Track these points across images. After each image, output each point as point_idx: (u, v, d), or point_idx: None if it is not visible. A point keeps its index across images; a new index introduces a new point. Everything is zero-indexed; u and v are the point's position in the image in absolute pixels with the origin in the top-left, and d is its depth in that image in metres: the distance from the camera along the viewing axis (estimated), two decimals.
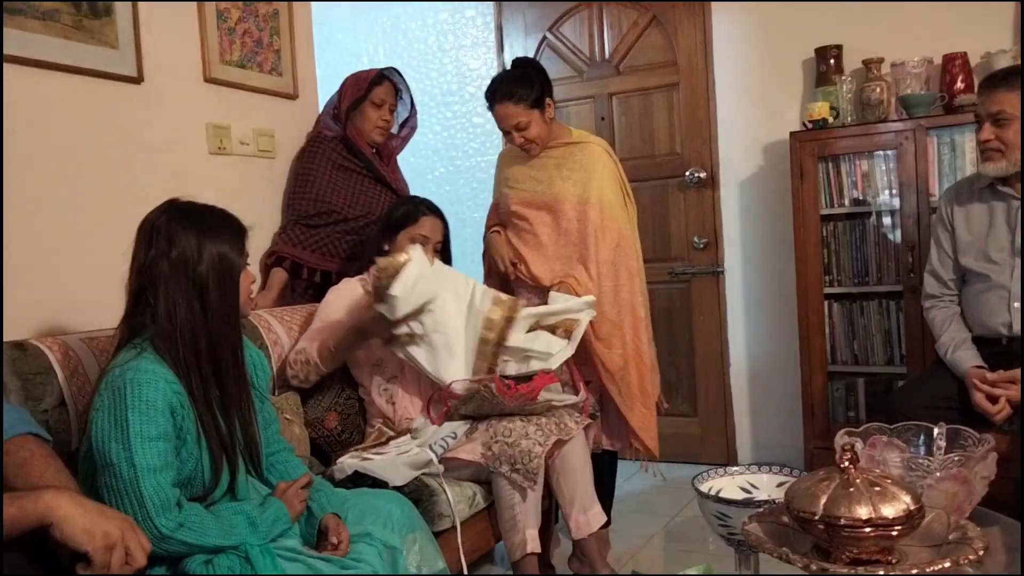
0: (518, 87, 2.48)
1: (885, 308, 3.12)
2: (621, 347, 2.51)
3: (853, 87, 3.12)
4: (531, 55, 3.84)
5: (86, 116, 2.15)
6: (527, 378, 2.27)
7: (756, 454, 3.56)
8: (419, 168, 3.53)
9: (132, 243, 1.55)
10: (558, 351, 2.31)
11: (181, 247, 1.50)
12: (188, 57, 2.45)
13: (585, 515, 2.25)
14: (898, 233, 3.05)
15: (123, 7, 2.22)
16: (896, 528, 1.09)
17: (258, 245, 2.63)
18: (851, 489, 1.11)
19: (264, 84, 2.70)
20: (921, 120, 2.94)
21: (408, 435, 2.23)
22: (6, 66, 1.95)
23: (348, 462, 2.08)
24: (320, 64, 2.98)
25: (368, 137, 2.75)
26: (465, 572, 2.03)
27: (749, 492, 1.47)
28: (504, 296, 2.36)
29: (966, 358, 2.25)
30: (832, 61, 3.20)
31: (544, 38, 3.90)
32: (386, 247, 2.38)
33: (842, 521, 1.09)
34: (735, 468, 1.55)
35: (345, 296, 2.37)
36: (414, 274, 2.12)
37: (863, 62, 3.14)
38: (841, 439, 1.41)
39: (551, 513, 2.45)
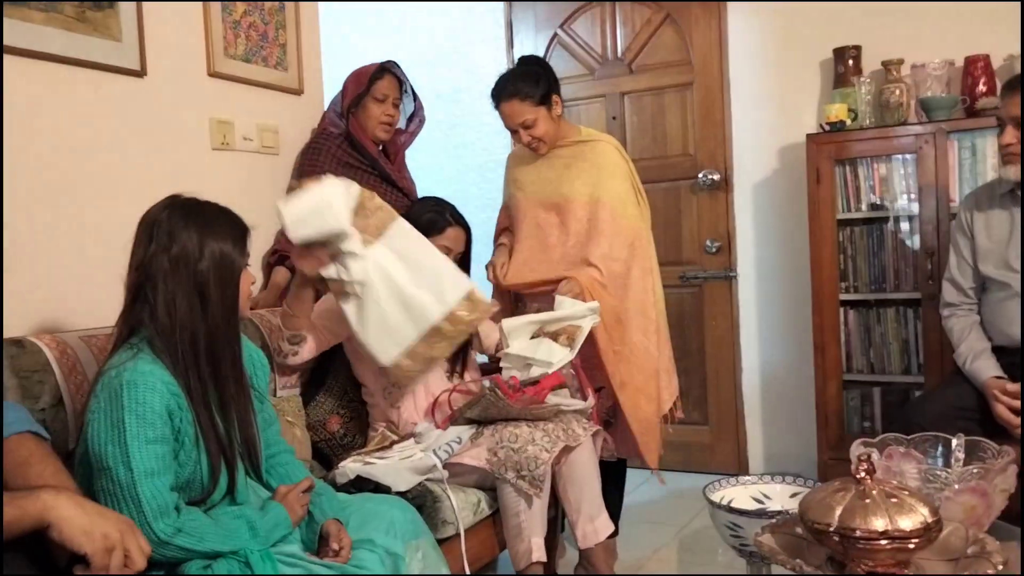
0: (523, 84, 2.49)
1: (902, 316, 3.12)
2: (628, 347, 2.51)
3: (872, 89, 3.12)
4: (542, 52, 3.85)
5: (88, 109, 2.16)
6: (534, 381, 2.27)
7: (768, 464, 3.56)
8: (426, 166, 3.53)
9: (132, 239, 1.55)
10: (559, 359, 2.30)
11: (182, 244, 1.50)
12: (192, 50, 2.46)
13: (592, 524, 2.25)
14: (916, 239, 3.05)
15: None
16: (913, 541, 1.09)
17: (261, 243, 2.63)
18: (867, 500, 1.12)
19: (269, 79, 2.71)
20: (942, 123, 2.94)
21: (412, 439, 2.23)
22: (6, 57, 1.96)
23: (350, 466, 2.09)
24: (326, 60, 2.99)
25: (373, 133, 2.75)
26: None
27: (761, 502, 1.48)
28: (483, 299, 2.19)
29: (985, 368, 2.24)
30: (851, 62, 3.20)
31: (555, 35, 3.91)
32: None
33: (858, 533, 1.09)
34: (747, 478, 1.56)
35: None
36: (318, 197, 2.00)
37: (882, 63, 3.14)
38: (857, 449, 1.41)
39: (557, 521, 2.44)
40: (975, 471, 1.38)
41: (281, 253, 2.63)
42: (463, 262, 2.47)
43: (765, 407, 3.58)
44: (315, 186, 2.02)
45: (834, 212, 3.12)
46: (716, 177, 3.60)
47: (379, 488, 1.99)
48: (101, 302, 2.00)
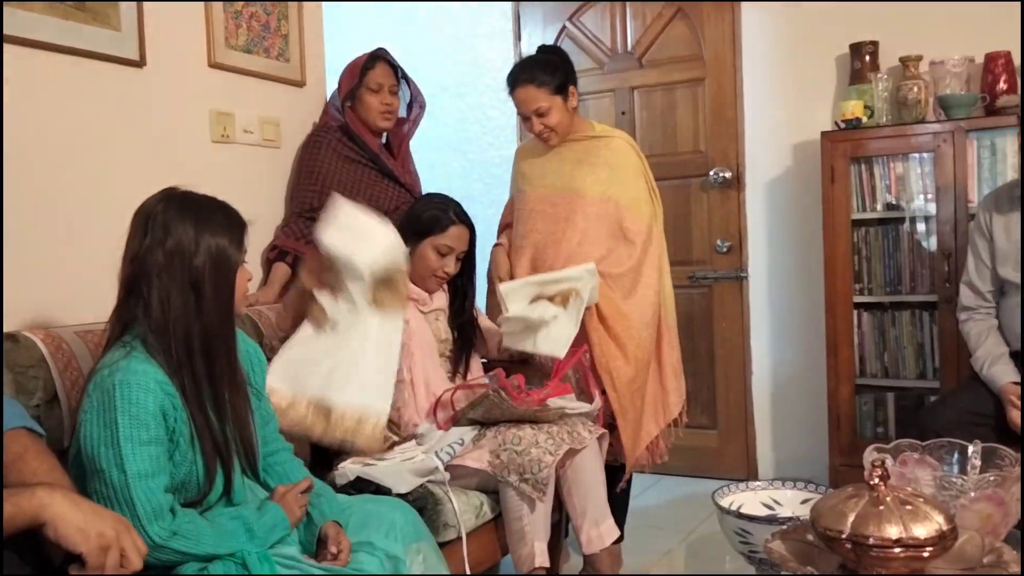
0: (541, 71, 2.49)
1: (918, 319, 3.11)
2: (630, 343, 2.50)
3: (889, 86, 3.11)
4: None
5: (85, 100, 2.17)
6: (540, 384, 2.28)
7: (778, 470, 3.55)
8: (431, 162, 3.54)
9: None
10: (551, 315, 2.32)
11: (177, 237, 1.50)
12: (192, 41, 2.46)
13: (597, 529, 2.25)
14: (933, 240, 3.04)
15: None
16: (927, 549, 1.09)
17: (260, 238, 2.64)
18: (881, 507, 1.11)
19: (270, 70, 2.71)
20: (960, 121, 2.93)
21: (413, 441, 2.23)
22: (4, 46, 1.97)
23: (350, 467, 2.09)
24: (329, 52, 2.99)
25: (374, 125, 2.75)
26: None
27: (772, 508, 1.47)
28: (377, 435, 2.07)
29: (1002, 373, 2.24)
30: (867, 58, 3.19)
31: (564, 28, 3.91)
32: (407, 248, 2.38)
33: (871, 540, 1.09)
34: (757, 483, 1.56)
35: None
36: (374, 229, 2.05)
37: (900, 60, 3.13)
38: (871, 455, 1.41)
39: (561, 526, 2.45)
40: (992, 479, 1.38)
41: (281, 249, 2.64)
42: (467, 261, 2.47)
43: (775, 411, 3.58)
44: (381, 221, 2.09)
45: (849, 212, 3.11)
46: (727, 175, 3.60)
47: (380, 490, 1.99)
48: (97, 296, 1.99)
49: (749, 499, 1.50)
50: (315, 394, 2.04)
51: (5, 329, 1.84)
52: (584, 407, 2.35)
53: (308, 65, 2.86)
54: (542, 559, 2.14)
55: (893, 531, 1.08)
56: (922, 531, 1.08)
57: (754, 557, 1.39)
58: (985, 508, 1.32)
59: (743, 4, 3.53)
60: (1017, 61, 2.99)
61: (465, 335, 2.48)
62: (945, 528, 1.10)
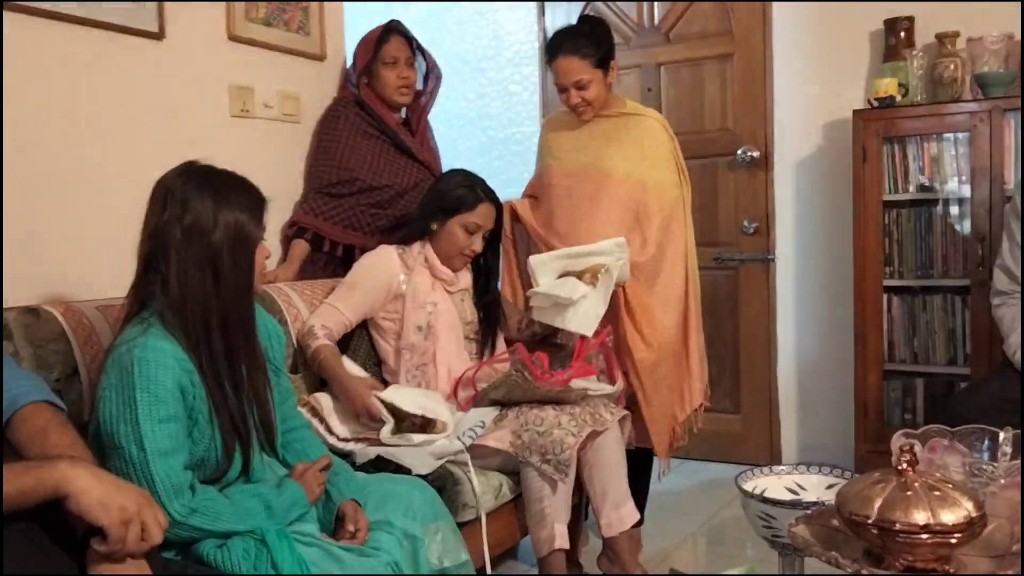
0: (586, 43, 2.48)
1: (950, 304, 3.09)
2: (653, 331, 2.51)
3: (924, 63, 3.07)
4: (574, 19, 3.81)
5: (103, 73, 2.19)
6: (563, 365, 2.28)
7: (802, 456, 3.55)
8: (450, 138, 3.55)
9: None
10: (580, 294, 2.33)
11: (196, 213, 1.51)
12: (212, 13, 2.47)
13: (617, 512, 2.26)
14: (967, 223, 3.01)
15: None
16: (955, 536, 1.09)
17: (279, 215, 2.66)
18: (908, 493, 1.12)
19: (290, 43, 2.72)
20: (998, 100, 2.89)
21: (438, 431, 2.22)
22: (18, 16, 1.99)
23: (370, 449, 2.10)
24: (349, 26, 2.99)
25: (391, 100, 2.75)
26: (488, 566, 2.06)
27: (796, 493, 1.48)
28: None
29: None
30: (902, 34, 3.15)
31: (589, 1, 3.88)
32: (434, 227, 2.40)
33: (897, 526, 1.09)
34: (781, 467, 1.56)
35: (381, 264, 2.38)
36: (435, 406, 2.17)
37: (936, 36, 3.09)
38: (899, 440, 1.41)
39: (581, 509, 2.46)
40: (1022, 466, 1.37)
41: (300, 225, 2.66)
42: (492, 239, 2.48)
43: (801, 396, 3.57)
44: (445, 412, 2.17)
45: (880, 193, 3.09)
46: (756, 154, 3.57)
47: (399, 469, 2.01)
48: (116, 271, 2.02)
49: (773, 483, 1.50)
50: None
51: (26, 303, 1.87)
52: (607, 388, 2.36)
53: (328, 38, 2.86)
54: (562, 541, 2.15)
55: (920, 517, 1.09)
56: (950, 517, 1.09)
57: (777, 542, 1.40)
58: (1015, 496, 1.32)
59: None
60: None
61: (490, 314, 2.50)
62: (974, 515, 1.10)
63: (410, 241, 2.44)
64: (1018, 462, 1.41)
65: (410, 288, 2.36)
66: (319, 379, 2.33)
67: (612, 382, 2.44)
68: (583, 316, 2.36)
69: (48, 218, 2.06)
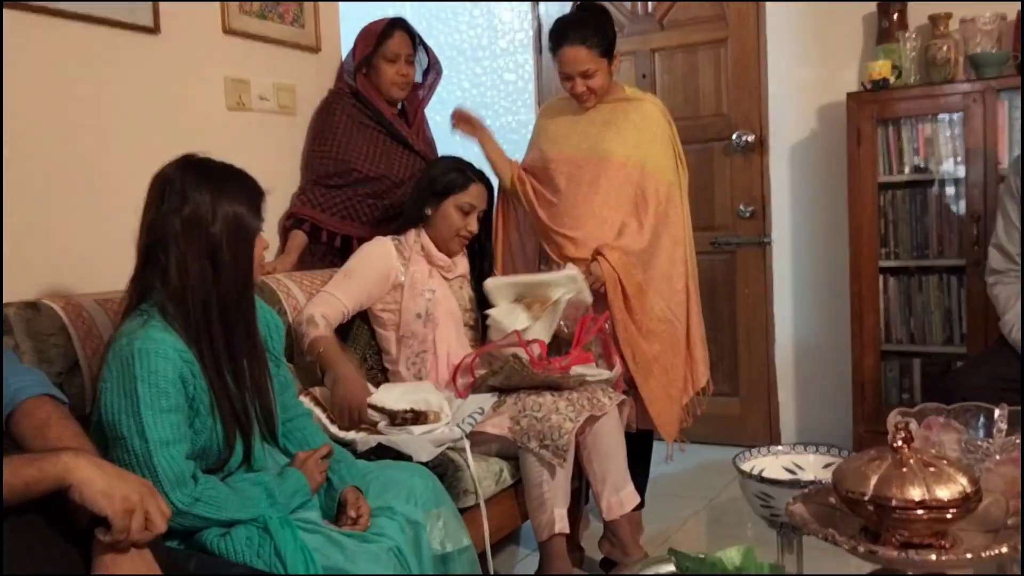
0: (592, 32, 2.46)
1: (945, 284, 3.09)
2: (645, 317, 2.51)
3: (918, 45, 3.06)
4: (568, 8, 3.81)
5: (100, 68, 2.18)
6: (560, 352, 2.29)
7: (800, 437, 3.56)
8: (446, 127, 3.52)
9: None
10: (521, 326, 2.35)
11: (194, 205, 1.50)
12: (207, 7, 2.47)
13: (617, 495, 2.27)
14: (962, 203, 3.01)
15: None
16: (951, 511, 1.09)
17: (277, 206, 2.66)
18: (904, 469, 1.12)
19: (285, 36, 2.72)
20: (991, 81, 2.89)
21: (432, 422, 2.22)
22: (16, 13, 1.98)
23: (372, 437, 2.11)
24: (344, 18, 2.98)
25: (388, 94, 2.74)
26: (489, 551, 2.06)
27: (794, 473, 1.48)
28: None
29: None
30: (895, 16, 3.14)
31: None
32: (428, 212, 2.39)
33: (893, 502, 1.09)
34: (779, 447, 1.56)
35: (379, 255, 2.39)
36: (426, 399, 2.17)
37: (929, 17, 3.08)
38: (894, 418, 1.41)
39: (581, 493, 2.47)
40: (1017, 441, 1.37)
41: (297, 216, 2.66)
42: (485, 221, 2.48)
43: (798, 378, 3.58)
44: (435, 400, 2.18)
45: (875, 175, 3.09)
46: (751, 138, 3.57)
47: (400, 457, 2.01)
48: (115, 264, 2.02)
49: (771, 463, 1.50)
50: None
51: (25, 298, 1.87)
52: (605, 374, 2.36)
53: (323, 30, 2.86)
54: (562, 525, 2.16)
55: (916, 493, 1.08)
56: (945, 493, 1.08)
57: (775, 521, 1.40)
58: (1010, 471, 1.32)
59: None
60: None
61: (487, 298, 2.50)
62: (969, 490, 1.10)
63: (405, 230, 2.44)
64: (1013, 438, 1.41)
65: (408, 277, 2.36)
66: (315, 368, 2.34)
67: (610, 367, 2.44)
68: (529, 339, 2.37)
69: (47, 213, 2.06)
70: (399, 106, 2.85)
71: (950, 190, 3.07)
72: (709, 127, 3.65)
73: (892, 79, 3.05)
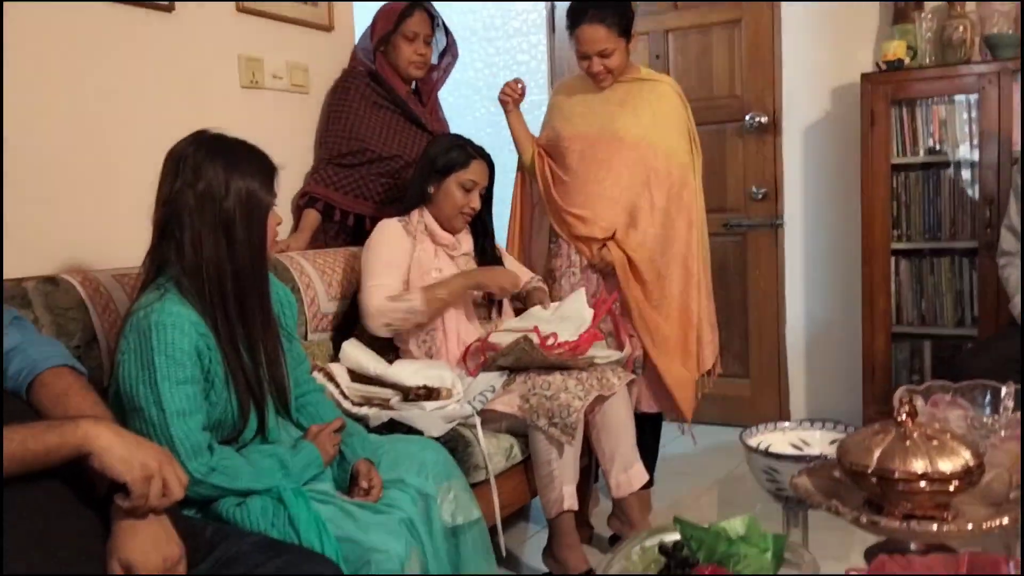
0: (612, 11, 2.46)
1: (958, 266, 3.09)
2: (664, 301, 2.53)
3: (933, 25, 3.05)
4: None
5: (115, 47, 2.20)
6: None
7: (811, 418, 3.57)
8: (458, 108, 3.55)
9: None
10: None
11: (207, 180, 1.52)
12: None
13: (626, 473, 2.29)
14: (976, 186, 3.00)
15: None
16: (953, 484, 1.10)
17: (290, 184, 2.68)
18: (907, 443, 1.13)
19: (298, 14, 2.73)
20: (1007, 62, 2.87)
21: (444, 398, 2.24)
22: None
23: (384, 412, 2.13)
24: None
25: (405, 73, 2.75)
26: (500, 525, 2.09)
27: (800, 449, 1.50)
28: None
29: None
30: None
31: None
32: (431, 190, 2.41)
33: (896, 475, 1.11)
34: (786, 424, 1.57)
35: (396, 239, 2.39)
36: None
37: None
38: (901, 394, 1.43)
39: (590, 471, 2.50)
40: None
41: (311, 195, 2.68)
42: (487, 198, 2.49)
43: (809, 360, 3.59)
44: (448, 377, 2.21)
45: (888, 156, 3.08)
46: (764, 120, 3.56)
47: (411, 432, 2.04)
48: (132, 240, 2.05)
49: (778, 439, 1.51)
50: None
51: (43, 272, 1.91)
52: (614, 355, 2.38)
53: (336, 9, 2.87)
54: (570, 502, 2.19)
55: (919, 466, 1.10)
56: (948, 466, 1.10)
57: (781, 495, 1.42)
58: (1015, 447, 1.33)
59: None
60: None
61: None
62: (972, 463, 1.11)
63: (409, 211, 2.45)
64: (1018, 415, 1.42)
65: (415, 257, 2.38)
66: (333, 345, 2.38)
67: (620, 348, 2.46)
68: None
69: (64, 189, 2.09)
70: (413, 86, 2.86)
71: (964, 172, 3.06)
72: (722, 108, 3.65)
73: (907, 60, 3.04)
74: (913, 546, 1.16)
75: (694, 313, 2.59)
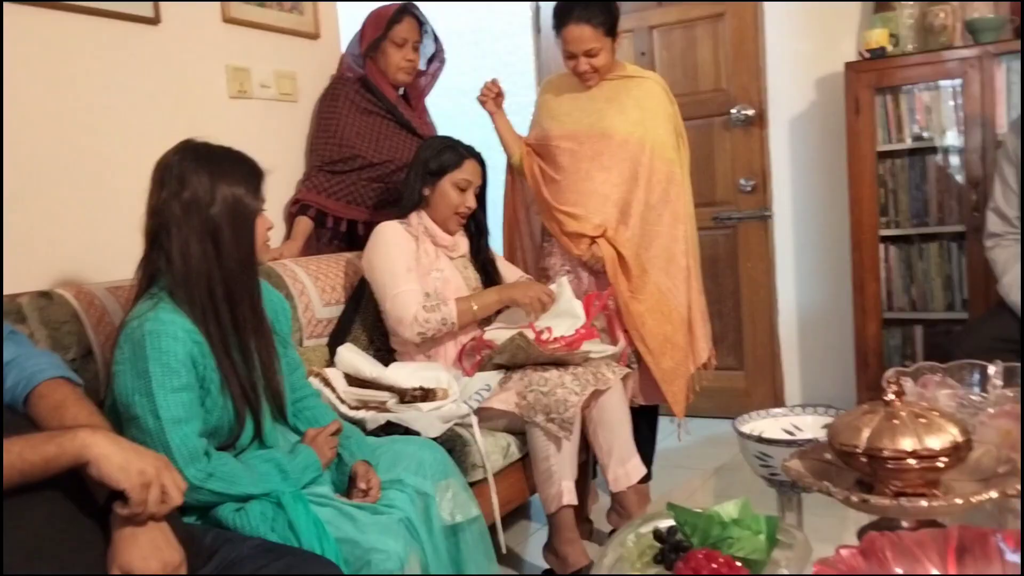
0: (598, 10, 2.47)
1: (946, 250, 3.10)
2: (651, 296, 2.53)
3: (915, 12, 3.07)
4: None
5: (103, 59, 2.21)
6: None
7: None
8: (447, 111, 3.54)
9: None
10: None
11: (193, 188, 1.53)
12: None
13: (624, 467, 2.30)
14: (962, 170, 3.02)
15: None
16: (942, 460, 1.11)
17: (281, 192, 2.69)
18: (895, 421, 1.14)
19: (284, 23, 2.74)
20: (989, 46, 2.89)
21: (440, 399, 2.25)
22: (19, 7, 2.01)
23: (381, 415, 2.14)
24: (342, 5, 3.00)
25: (393, 79, 2.77)
26: (499, 522, 2.10)
27: (792, 434, 1.50)
28: None
29: None
30: None
31: None
32: (426, 192, 2.42)
33: (885, 453, 1.12)
34: (778, 410, 1.58)
35: (403, 241, 2.38)
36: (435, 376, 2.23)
37: None
38: (890, 375, 1.44)
39: (588, 466, 2.50)
40: (1011, 394, 1.40)
41: (303, 203, 2.69)
42: (480, 198, 2.50)
43: (802, 350, 3.60)
44: (444, 378, 2.23)
45: (874, 144, 3.09)
46: (750, 112, 3.58)
47: (408, 434, 2.04)
48: (124, 252, 2.06)
49: (770, 425, 1.52)
50: None
51: (38, 287, 1.91)
52: (609, 350, 2.39)
53: (322, 17, 2.88)
54: (569, 497, 2.19)
55: (908, 443, 1.11)
56: (936, 443, 1.11)
57: (774, 480, 1.43)
58: (1004, 424, 1.34)
59: None
60: None
61: (488, 275, 2.52)
62: (960, 440, 1.12)
63: (406, 214, 2.46)
64: (1008, 392, 1.44)
65: (417, 260, 2.38)
66: (329, 352, 2.38)
67: (614, 342, 2.47)
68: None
69: (55, 204, 2.10)
70: (401, 91, 2.88)
71: (950, 157, 3.08)
72: (708, 102, 3.66)
73: (890, 47, 3.05)
74: (904, 523, 1.16)
75: (683, 306, 2.60)
